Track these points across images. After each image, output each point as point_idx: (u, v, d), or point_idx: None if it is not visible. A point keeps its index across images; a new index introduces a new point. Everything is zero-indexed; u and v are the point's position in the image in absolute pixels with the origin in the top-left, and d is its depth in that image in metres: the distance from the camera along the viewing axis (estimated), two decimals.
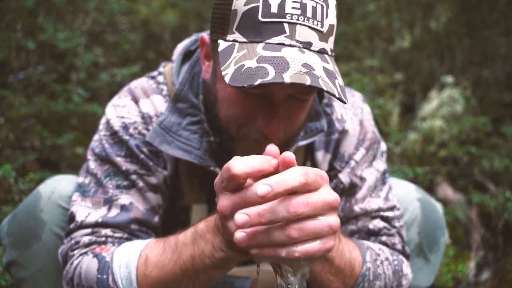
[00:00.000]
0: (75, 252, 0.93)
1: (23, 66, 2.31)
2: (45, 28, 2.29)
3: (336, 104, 1.08)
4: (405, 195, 1.19)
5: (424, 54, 3.00)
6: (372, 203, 1.05)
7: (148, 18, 2.97)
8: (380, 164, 1.08)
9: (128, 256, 0.88)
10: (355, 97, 1.11)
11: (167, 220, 1.05)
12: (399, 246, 1.04)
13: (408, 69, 2.96)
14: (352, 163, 1.05)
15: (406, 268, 1.03)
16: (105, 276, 0.88)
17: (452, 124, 2.39)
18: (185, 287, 0.83)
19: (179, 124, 0.98)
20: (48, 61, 2.44)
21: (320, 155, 1.06)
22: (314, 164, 1.06)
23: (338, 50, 2.91)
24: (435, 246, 1.23)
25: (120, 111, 1.02)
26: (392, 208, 1.06)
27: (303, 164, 1.08)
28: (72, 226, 0.96)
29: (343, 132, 1.06)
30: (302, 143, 1.03)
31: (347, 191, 1.05)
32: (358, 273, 0.92)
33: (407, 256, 1.05)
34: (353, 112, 1.08)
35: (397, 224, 1.06)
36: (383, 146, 1.11)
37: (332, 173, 1.06)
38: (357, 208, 1.04)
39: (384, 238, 1.04)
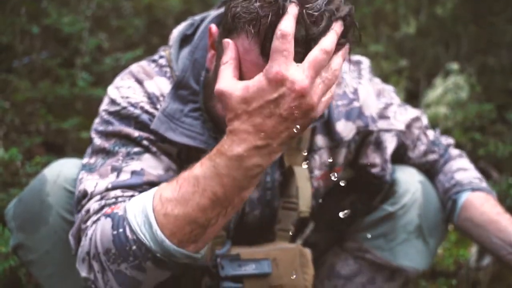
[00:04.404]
0: (88, 223, 0.89)
1: (27, 51, 2.31)
2: (49, 13, 2.29)
3: (346, 76, 1.12)
4: (406, 176, 1.21)
5: (430, 41, 2.98)
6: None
7: (151, 3, 2.95)
8: (395, 100, 1.22)
9: (142, 202, 0.83)
10: (351, 62, 1.19)
11: None
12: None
13: (413, 55, 2.94)
14: (390, 113, 1.18)
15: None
16: (121, 230, 0.82)
17: (456, 111, 2.38)
18: (217, 215, 0.80)
19: (182, 111, 0.98)
20: (53, 46, 2.44)
21: (341, 125, 1.10)
22: (332, 134, 1.11)
23: None
24: (435, 230, 1.24)
25: (124, 91, 1.00)
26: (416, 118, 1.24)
27: (312, 138, 1.12)
28: (82, 202, 0.93)
29: (362, 99, 1.13)
30: None
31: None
32: None
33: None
34: (357, 76, 1.15)
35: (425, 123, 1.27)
36: (387, 86, 1.23)
37: (377, 133, 1.15)
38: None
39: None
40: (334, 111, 1.09)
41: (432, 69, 2.84)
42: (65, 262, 1.03)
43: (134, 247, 0.80)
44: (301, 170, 1.10)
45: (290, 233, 1.14)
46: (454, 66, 2.61)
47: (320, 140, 1.11)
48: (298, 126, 0.76)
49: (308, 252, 1.13)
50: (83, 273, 0.87)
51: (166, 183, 0.84)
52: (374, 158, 1.17)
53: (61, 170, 1.05)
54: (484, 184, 1.22)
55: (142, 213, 0.81)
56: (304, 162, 1.10)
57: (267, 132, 0.75)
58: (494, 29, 2.88)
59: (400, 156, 1.24)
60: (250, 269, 1.05)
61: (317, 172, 1.14)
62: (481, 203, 1.16)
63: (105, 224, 0.85)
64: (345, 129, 1.11)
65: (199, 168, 0.80)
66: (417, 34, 3.00)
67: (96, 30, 2.54)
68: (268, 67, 0.75)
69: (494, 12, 2.91)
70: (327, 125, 1.10)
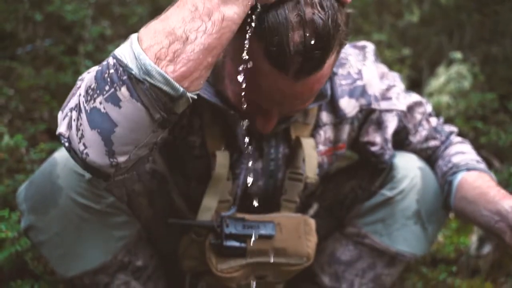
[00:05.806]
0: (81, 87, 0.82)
1: (30, 38, 2.31)
2: (52, 0, 2.28)
3: (351, 58, 1.15)
4: (405, 162, 1.22)
5: (433, 29, 2.97)
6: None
7: None
8: (399, 84, 1.24)
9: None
10: (356, 47, 1.21)
11: (185, 169, 1.08)
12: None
13: (416, 44, 2.93)
14: (393, 94, 1.19)
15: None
16: (105, 63, 0.79)
17: (459, 100, 2.39)
18: (196, 29, 0.76)
19: None
20: (56, 33, 2.44)
21: (344, 102, 1.14)
22: (336, 111, 1.14)
23: None
24: (434, 216, 1.25)
25: None
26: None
27: (318, 114, 1.15)
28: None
29: (366, 79, 1.16)
30: (310, 106, 1.07)
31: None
32: None
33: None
34: (362, 59, 1.18)
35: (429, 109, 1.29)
36: (392, 72, 1.25)
37: (378, 112, 1.17)
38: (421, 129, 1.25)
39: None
40: (338, 89, 1.13)
41: (435, 58, 2.84)
42: (75, 244, 1.06)
43: (111, 71, 0.76)
44: (308, 140, 1.13)
45: (296, 205, 1.16)
46: (457, 55, 2.61)
47: (325, 116, 1.15)
48: None
49: (312, 221, 1.15)
50: (61, 129, 0.81)
51: None
52: (374, 137, 1.19)
53: None
54: (481, 165, 1.22)
55: (128, 39, 0.79)
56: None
57: None
58: (498, 18, 2.87)
59: (401, 140, 1.25)
60: (254, 229, 1.07)
61: (321, 148, 1.17)
62: (475, 180, 1.16)
63: (94, 69, 0.82)
64: (348, 105, 1.14)
65: None
66: (421, 22, 2.98)
67: (99, 17, 2.54)
68: None
69: (498, 0, 2.90)
70: (331, 103, 1.14)
